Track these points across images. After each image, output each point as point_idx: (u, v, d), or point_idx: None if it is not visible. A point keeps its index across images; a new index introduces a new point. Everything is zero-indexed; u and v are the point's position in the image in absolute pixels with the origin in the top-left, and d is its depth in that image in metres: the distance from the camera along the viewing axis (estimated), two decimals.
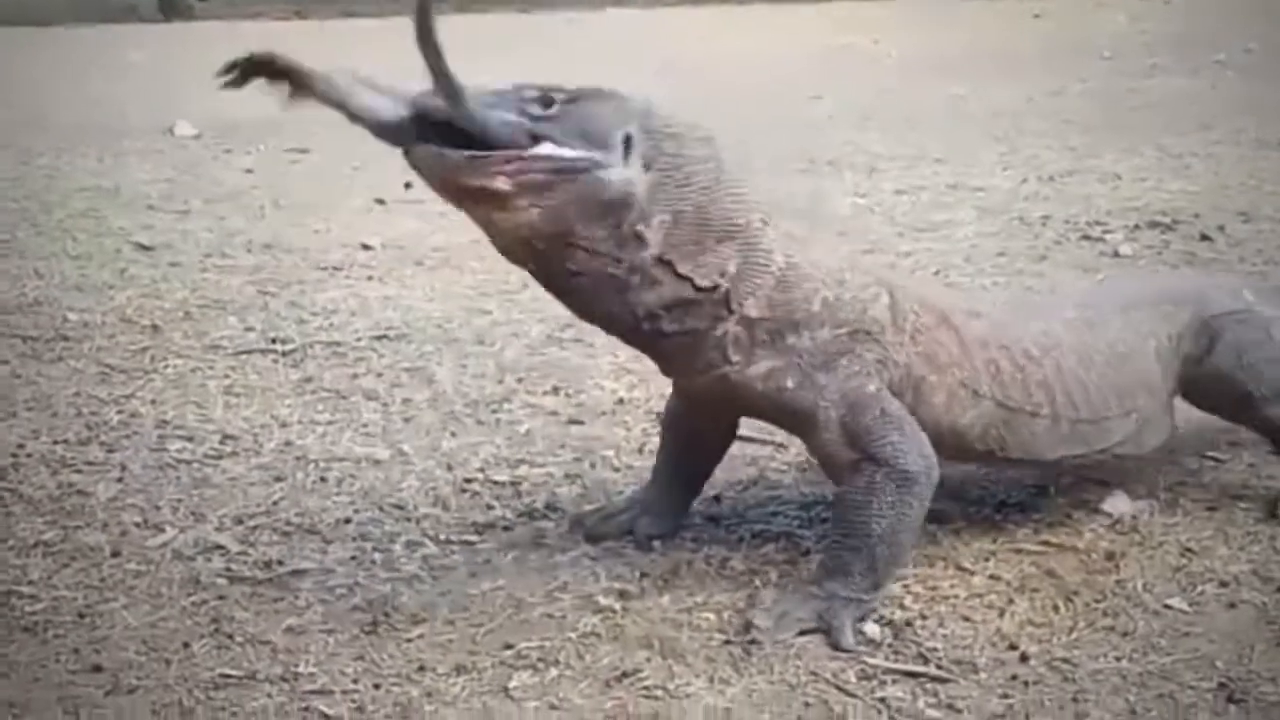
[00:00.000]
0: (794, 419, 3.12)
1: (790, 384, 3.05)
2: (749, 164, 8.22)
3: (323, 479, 3.86)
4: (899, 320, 3.15)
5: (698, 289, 2.98)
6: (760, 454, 3.93)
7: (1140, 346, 3.47)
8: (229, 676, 2.89)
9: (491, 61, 13.88)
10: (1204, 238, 6.40)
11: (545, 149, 2.83)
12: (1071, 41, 13.85)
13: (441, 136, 2.81)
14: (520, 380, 4.60)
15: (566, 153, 2.83)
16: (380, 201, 7.32)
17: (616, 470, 3.94)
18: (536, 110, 2.84)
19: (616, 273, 2.92)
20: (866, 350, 3.09)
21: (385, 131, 2.90)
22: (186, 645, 3.00)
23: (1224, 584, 3.24)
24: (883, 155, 8.55)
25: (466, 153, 2.79)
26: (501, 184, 2.81)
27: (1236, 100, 10.35)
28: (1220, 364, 3.55)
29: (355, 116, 2.92)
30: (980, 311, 3.36)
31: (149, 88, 11.38)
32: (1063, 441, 3.34)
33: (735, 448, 3.85)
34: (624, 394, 4.39)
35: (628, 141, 2.88)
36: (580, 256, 2.90)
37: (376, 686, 2.85)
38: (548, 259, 2.93)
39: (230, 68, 2.97)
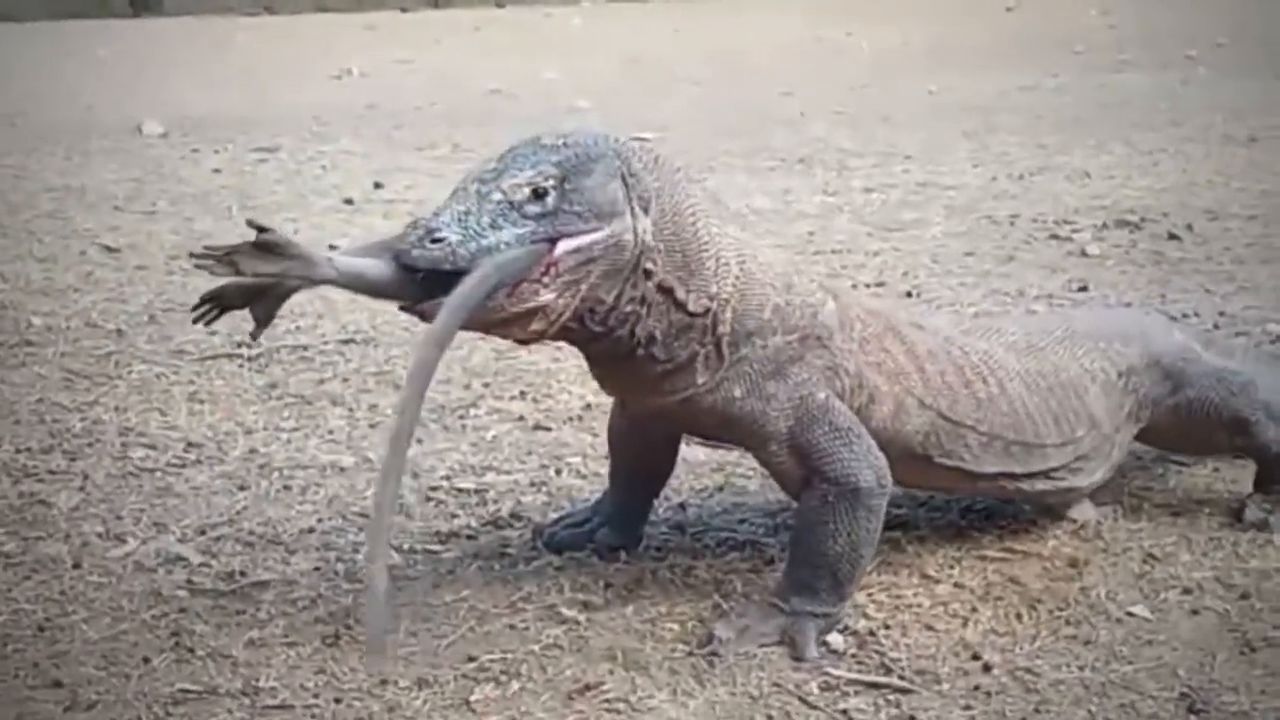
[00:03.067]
0: (742, 431, 3.08)
1: (738, 393, 3.02)
2: (719, 161, 8.25)
3: (287, 487, 3.84)
4: (846, 327, 3.13)
5: (691, 314, 2.95)
6: (727, 460, 3.91)
7: (1083, 380, 3.46)
8: (189, 691, 2.87)
9: (467, 55, 13.87)
10: (1171, 236, 6.43)
11: (569, 245, 2.79)
12: (1043, 36, 13.90)
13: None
14: (487, 385, 4.58)
15: (588, 238, 2.80)
16: (349, 201, 7.31)
17: (583, 477, 3.92)
18: (534, 208, 2.78)
19: (629, 309, 2.90)
20: (816, 358, 3.07)
21: (386, 291, 2.81)
22: (147, 660, 2.98)
23: (1187, 591, 3.25)
24: (853, 152, 8.57)
25: (505, 288, 2.74)
26: (546, 295, 2.80)
27: (1206, 96, 10.40)
28: (1200, 396, 3.55)
29: (370, 291, 2.83)
30: (923, 324, 3.35)
31: (118, 84, 11.34)
32: (996, 459, 3.31)
33: (702, 453, 3.85)
34: (591, 399, 4.37)
35: (627, 195, 2.85)
36: (604, 314, 2.88)
37: (337, 701, 2.83)
38: (572, 330, 2.91)
39: (205, 300, 2.87)
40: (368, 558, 2.71)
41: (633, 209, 2.85)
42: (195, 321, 2.92)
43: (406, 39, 14.00)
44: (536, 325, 2.83)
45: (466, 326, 2.82)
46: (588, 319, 2.87)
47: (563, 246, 2.79)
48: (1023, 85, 11.17)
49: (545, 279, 2.78)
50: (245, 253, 2.70)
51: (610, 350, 2.97)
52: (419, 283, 2.76)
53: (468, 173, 2.89)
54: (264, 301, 2.84)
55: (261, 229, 2.73)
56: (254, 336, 2.97)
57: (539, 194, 2.79)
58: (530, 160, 2.82)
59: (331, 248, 6.05)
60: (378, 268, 2.77)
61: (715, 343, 2.99)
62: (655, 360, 2.97)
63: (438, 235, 2.73)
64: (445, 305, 2.70)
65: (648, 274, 2.89)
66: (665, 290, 2.92)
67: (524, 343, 2.97)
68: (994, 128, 9.29)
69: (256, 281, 2.78)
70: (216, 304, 2.87)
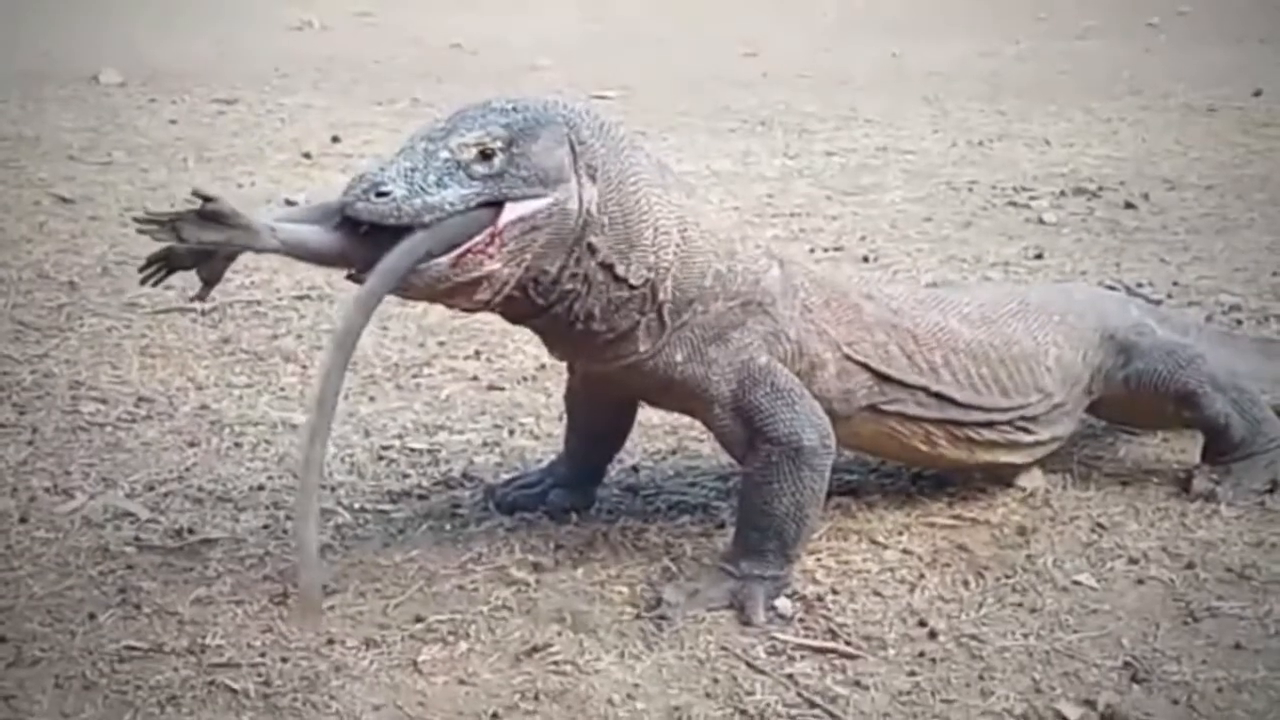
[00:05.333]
0: (685, 394, 3.08)
1: (679, 358, 3.02)
2: (680, 122, 8.23)
3: (237, 444, 3.82)
4: (789, 294, 3.13)
5: (632, 287, 2.94)
6: (680, 423, 3.91)
7: (1036, 353, 3.48)
8: (134, 649, 2.85)
9: (429, 9, 13.77)
10: (1128, 205, 6.45)
11: (513, 213, 2.77)
12: (1008, 1, 13.89)
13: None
14: (442, 344, 4.57)
15: (532, 205, 2.78)
16: (306, 155, 7.27)
17: (536, 438, 3.92)
18: (481, 169, 2.76)
19: (569, 286, 2.89)
20: (758, 323, 3.07)
21: (330, 258, 2.80)
22: (93, 616, 2.96)
23: (1133, 560, 3.27)
24: (814, 115, 8.56)
25: (450, 255, 2.73)
26: (492, 265, 2.78)
27: (1167, 64, 10.43)
28: (1149, 368, 3.58)
29: (314, 259, 2.82)
30: (873, 294, 3.35)
31: (75, 32, 11.21)
32: (940, 409, 3.32)
33: (655, 416, 3.84)
34: (545, 359, 4.34)
35: (574, 163, 2.83)
36: (547, 286, 2.87)
37: (284, 660, 2.82)
38: (517, 300, 2.89)
39: (152, 260, 2.82)
40: (296, 521, 2.71)
41: (579, 177, 2.84)
42: (143, 282, 2.89)
43: None
44: (481, 295, 2.82)
45: (414, 295, 2.83)
46: (531, 290, 2.86)
47: (507, 216, 2.77)
48: (984, 51, 11.17)
49: (490, 249, 2.76)
50: (189, 220, 2.69)
51: (549, 325, 2.98)
52: (362, 239, 2.74)
53: (416, 131, 2.87)
54: (211, 263, 2.82)
55: (206, 198, 2.70)
56: (200, 298, 2.94)
57: (486, 155, 2.77)
58: (480, 121, 2.80)
59: (288, 202, 6.07)
60: (321, 235, 2.75)
61: (657, 311, 2.98)
62: (596, 332, 2.96)
63: (383, 189, 2.70)
64: (375, 271, 2.69)
65: (591, 249, 2.87)
66: (606, 267, 2.90)
67: (469, 312, 2.95)
68: (955, 93, 9.29)
69: (217, 244, 2.76)
70: (164, 264, 2.84)
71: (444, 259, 2.73)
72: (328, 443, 2.86)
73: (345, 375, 2.77)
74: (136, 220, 2.75)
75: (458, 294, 2.81)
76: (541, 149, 2.80)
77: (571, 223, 2.83)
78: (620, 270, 2.91)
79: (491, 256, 2.77)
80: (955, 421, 3.35)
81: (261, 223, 2.74)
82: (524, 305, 2.91)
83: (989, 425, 3.40)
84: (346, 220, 2.74)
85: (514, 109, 2.84)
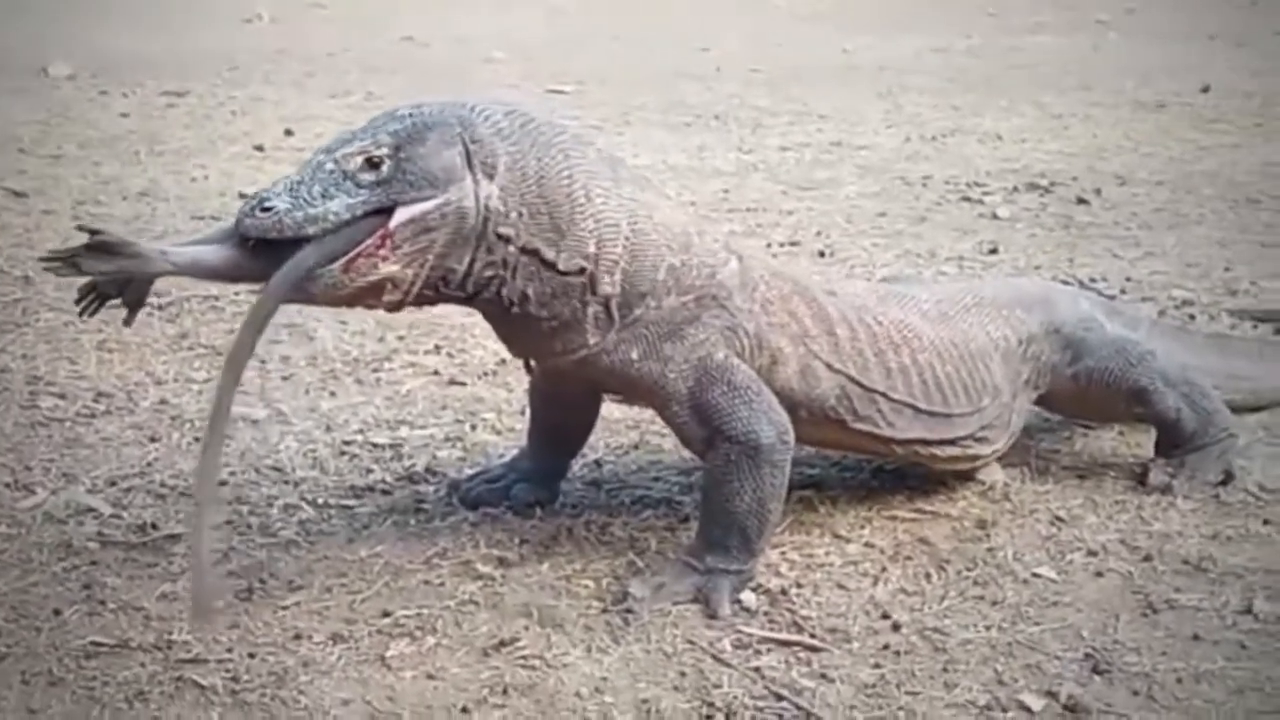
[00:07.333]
0: (642, 392, 3.10)
1: (635, 355, 3.04)
2: (635, 116, 8.25)
3: (198, 439, 3.80)
4: (748, 288, 3.14)
5: (563, 273, 2.95)
6: (643, 417, 3.93)
7: (988, 349, 3.51)
8: (100, 645, 2.85)
9: (374, 5, 13.70)
10: (1080, 201, 6.51)
11: (403, 215, 2.81)
12: None
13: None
14: (401, 338, 4.57)
15: (422, 207, 2.82)
16: (259, 148, 7.24)
17: (498, 433, 3.92)
18: (368, 177, 2.80)
19: (489, 274, 2.91)
20: (714, 318, 3.08)
21: (226, 273, 2.86)
22: (57, 612, 2.95)
23: (1092, 553, 3.31)
24: (768, 110, 8.59)
25: (340, 262, 2.77)
26: (389, 267, 2.81)
27: (1116, 60, 10.52)
28: (1100, 366, 3.62)
29: (212, 276, 2.89)
30: (835, 290, 3.37)
31: (24, 23, 11.11)
32: (908, 424, 3.35)
33: (618, 411, 3.86)
34: (506, 354, 4.34)
35: (468, 162, 2.86)
36: (460, 280, 2.90)
37: (251, 655, 2.82)
38: (431, 296, 2.93)
39: (84, 293, 2.87)
40: (193, 531, 2.75)
41: (474, 175, 2.86)
42: (81, 314, 2.92)
43: None
44: (390, 296, 2.86)
45: (318, 303, 2.88)
46: (443, 287, 2.90)
47: (397, 219, 2.81)
48: (936, 46, 11.23)
49: (383, 251, 2.80)
50: (83, 255, 2.78)
51: (489, 310, 3.01)
52: (253, 254, 2.78)
53: (320, 144, 2.91)
54: (131, 289, 2.89)
55: (93, 232, 2.78)
56: (126, 323, 2.97)
57: (373, 163, 2.80)
58: (370, 131, 2.86)
59: (241, 195, 6.04)
60: (216, 253, 2.82)
61: (603, 303, 2.99)
62: (537, 319, 2.98)
63: (267, 204, 2.76)
64: (264, 289, 2.75)
65: (504, 238, 2.90)
66: (529, 252, 2.92)
67: (390, 311, 2.97)
68: (907, 88, 9.34)
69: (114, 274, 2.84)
70: (94, 295, 2.91)
71: (335, 265, 2.77)
72: (221, 455, 2.95)
73: (236, 392, 2.79)
74: (41, 260, 2.83)
75: (363, 297, 2.86)
76: (429, 151, 2.83)
77: (471, 220, 2.86)
78: (549, 255, 2.93)
79: (386, 259, 2.81)
80: (922, 440, 3.38)
81: (152, 248, 2.82)
82: (444, 299, 2.95)
83: (952, 443, 3.43)
84: (242, 237, 2.79)
85: (409, 115, 2.88)
